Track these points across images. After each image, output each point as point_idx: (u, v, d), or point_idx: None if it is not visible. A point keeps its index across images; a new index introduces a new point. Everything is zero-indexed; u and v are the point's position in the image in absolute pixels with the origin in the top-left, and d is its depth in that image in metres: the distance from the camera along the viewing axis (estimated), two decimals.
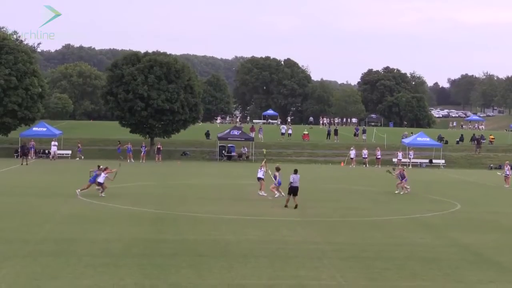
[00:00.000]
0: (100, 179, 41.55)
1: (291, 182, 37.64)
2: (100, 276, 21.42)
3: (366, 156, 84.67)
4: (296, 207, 37.44)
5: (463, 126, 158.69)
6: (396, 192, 49.30)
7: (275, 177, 42.88)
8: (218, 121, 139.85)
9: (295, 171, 38.50)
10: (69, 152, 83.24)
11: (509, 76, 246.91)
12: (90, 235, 29.05)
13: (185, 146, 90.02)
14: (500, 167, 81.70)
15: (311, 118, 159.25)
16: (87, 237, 28.49)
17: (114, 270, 22.32)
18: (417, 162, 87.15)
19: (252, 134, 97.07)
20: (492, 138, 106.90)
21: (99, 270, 22.23)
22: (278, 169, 43.22)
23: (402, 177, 49.13)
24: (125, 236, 28.97)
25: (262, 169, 45.58)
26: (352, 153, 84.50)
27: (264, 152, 45.61)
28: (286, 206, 37.87)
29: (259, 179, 45.43)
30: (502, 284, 22.58)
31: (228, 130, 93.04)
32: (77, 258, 23.98)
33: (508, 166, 61.69)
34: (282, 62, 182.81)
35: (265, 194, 44.05)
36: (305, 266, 24.17)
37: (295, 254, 26.32)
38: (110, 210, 37.62)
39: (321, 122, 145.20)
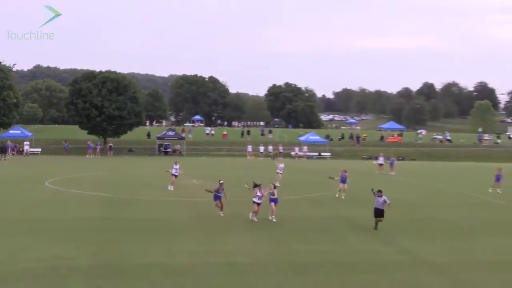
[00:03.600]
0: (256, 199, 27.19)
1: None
2: (65, 247, 21.33)
3: (272, 150, 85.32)
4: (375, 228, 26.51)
5: (338, 127, 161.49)
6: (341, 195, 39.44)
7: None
8: (147, 125, 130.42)
9: (380, 193, 26.68)
10: (39, 149, 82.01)
11: (378, 90, 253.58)
12: (58, 215, 28.76)
13: (131, 144, 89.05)
14: (370, 158, 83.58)
15: (219, 121, 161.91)
16: (55, 217, 28.18)
17: (77, 242, 22.21)
18: (310, 155, 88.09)
19: (183, 134, 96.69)
20: (364, 136, 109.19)
21: (65, 242, 22.09)
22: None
23: (343, 180, 39.26)
24: (85, 216, 28.66)
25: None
26: (270, 148, 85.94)
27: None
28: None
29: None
30: (384, 244, 23.10)
31: (165, 131, 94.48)
32: (46, 234, 23.83)
33: (382, 157, 63.32)
34: (207, 79, 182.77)
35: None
36: (228, 236, 24.34)
37: (220, 227, 26.43)
38: (73, 195, 36.92)
39: (235, 124, 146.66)
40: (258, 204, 27.06)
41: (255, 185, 27.17)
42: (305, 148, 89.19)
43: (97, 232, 24.68)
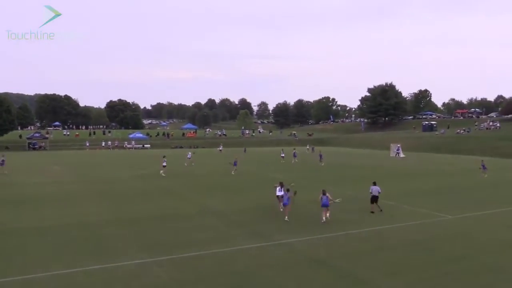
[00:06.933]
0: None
1: (371, 192, 21.77)
2: None
3: (110, 144, 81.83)
4: (372, 212, 21.41)
5: (153, 128, 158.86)
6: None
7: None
8: (19, 129, 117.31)
9: (374, 183, 22.10)
10: None
11: (180, 103, 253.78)
12: None
13: (7, 143, 79.48)
14: (177, 147, 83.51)
15: (67, 125, 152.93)
16: None
17: None
18: (137, 147, 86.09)
19: (47, 135, 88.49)
20: (172, 133, 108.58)
21: None
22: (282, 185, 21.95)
23: (235, 163, 40.25)
24: None
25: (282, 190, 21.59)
26: (109, 143, 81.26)
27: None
28: (371, 211, 21.45)
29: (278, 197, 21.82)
30: (184, 202, 23.59)
31: (33, 133, 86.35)
32: None
33: (221, 146, 63.36)
34: (63, 96, 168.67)
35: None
36: (82, 205, 23.36)
37: (77, 199, 25.24)
38: None
39: (84, 127, 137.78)
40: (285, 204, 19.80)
41: (292, 191, 20.17)
42: (133, 142, 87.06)
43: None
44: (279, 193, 21.51)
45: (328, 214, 19.61)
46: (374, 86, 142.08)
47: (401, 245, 15.98)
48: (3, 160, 39.87)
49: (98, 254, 14.38)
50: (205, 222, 19.30)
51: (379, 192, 21.82)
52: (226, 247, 15.23)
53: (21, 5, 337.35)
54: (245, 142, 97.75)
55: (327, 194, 19.51)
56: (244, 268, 13.26)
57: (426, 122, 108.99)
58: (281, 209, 20.89)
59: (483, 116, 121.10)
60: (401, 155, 64.88)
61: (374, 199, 21.71)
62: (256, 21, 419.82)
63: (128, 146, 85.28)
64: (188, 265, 13.41)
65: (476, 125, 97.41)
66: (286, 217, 19.73)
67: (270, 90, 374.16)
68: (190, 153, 50.38)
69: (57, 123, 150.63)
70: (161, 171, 37.81)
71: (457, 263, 14.09)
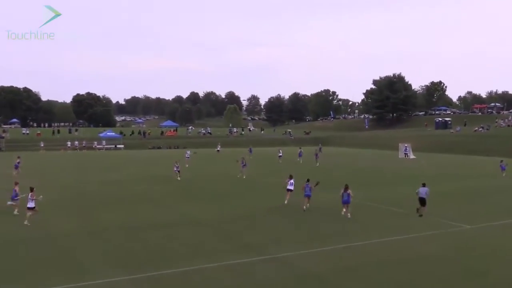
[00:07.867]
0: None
1: (417, 193, 22.95)
2: None
3: (77, 144, 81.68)
4: (421, 215, 22.57)
5: (126, 126, 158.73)
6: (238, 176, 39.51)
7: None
8: None
9: (423, 185, 23.31)
10: None
11: (158, 97, 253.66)
12: None
13: None
14: (154, 148, 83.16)
15: (26, 123, 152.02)
16: None
17: None
18: (108, 147, 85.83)
19: (3, 134, 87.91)
20: (149, 132, 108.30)
21: None
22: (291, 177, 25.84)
23: (243, 164, 40.36)
24: None
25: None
26: (76, 143, 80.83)
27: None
28: (419, 214, 22.62)
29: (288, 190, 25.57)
30: (166, 210, 23.54)
31: None
32: None
33: (188, 151, 62.44)
34: (22, 89, 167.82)
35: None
36: (52, 217, 23.21)
37: (46, 210, 25.01)
38: None
39: (47, 125, 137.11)
40: (309, 197, 23.99)
41: (315, 182, 24.37)
42: (103, 142, 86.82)
43: None
44: (290, 186, 25.33)
45: (349, 213, 22.24)
46: (381, 78, 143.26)
47: (409, 259, 16.08)
48: (18, 163, 41.01)
49: (65, 271, 14.30)
50: (188, 233, 19.30)
51: (426, 194, 22.76)
52: (212, 262, 15.25)
53: (21, 5, 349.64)
54: (241, 142, 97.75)
55: (349, 191, 22.21)
56: (233, 287, 13.28)
57: (440, 119, 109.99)
58: (286, 201, 24.93)
59: (505, 112, 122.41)
60: (411, 156, 65.40)
61: (422, 201, 22.79)
62: (245, 4, 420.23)
63: (98, 146, 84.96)
64: (168, 283, 13.40)
65: (496, 122, 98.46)
66: (308, 204, 23.59)
67: (261, 82, 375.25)
68: (188, 151, 51.02)
69: (15, 120, 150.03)
70: (177, 175, 38.02)
71: (475, 279, 14.23)
